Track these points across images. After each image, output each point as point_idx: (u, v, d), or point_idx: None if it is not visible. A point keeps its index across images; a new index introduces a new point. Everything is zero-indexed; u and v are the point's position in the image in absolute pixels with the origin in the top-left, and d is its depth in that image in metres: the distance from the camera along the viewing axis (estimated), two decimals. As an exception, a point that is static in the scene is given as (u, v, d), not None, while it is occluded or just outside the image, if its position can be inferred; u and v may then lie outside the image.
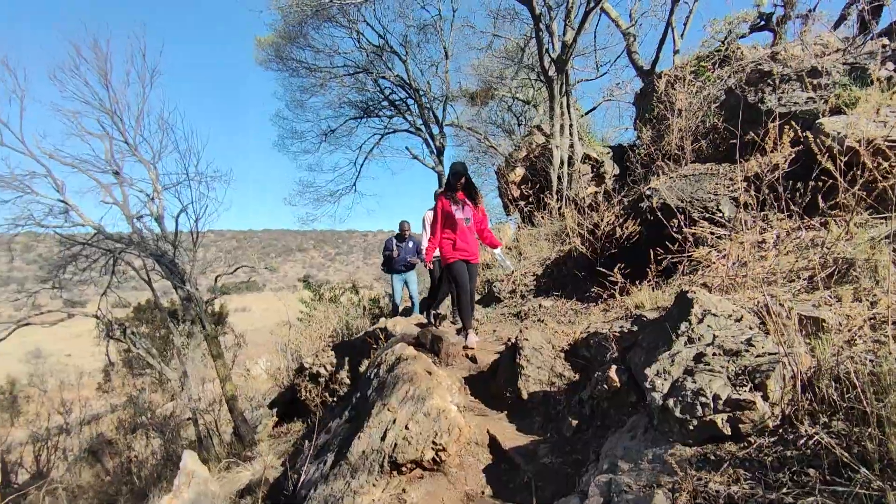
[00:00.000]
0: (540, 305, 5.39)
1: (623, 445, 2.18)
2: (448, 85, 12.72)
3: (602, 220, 5.09)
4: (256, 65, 12.04)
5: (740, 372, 1.87)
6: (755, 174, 4.19)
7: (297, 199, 14.17)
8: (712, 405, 1.83)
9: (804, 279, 2.62)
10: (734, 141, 4.63)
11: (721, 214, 4.01)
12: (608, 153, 9.85)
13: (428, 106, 12.32)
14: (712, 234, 3.62)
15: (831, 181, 2.93)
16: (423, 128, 12.50)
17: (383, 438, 2.86)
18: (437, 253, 4.70)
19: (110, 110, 7.25)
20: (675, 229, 3.87)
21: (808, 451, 1.60)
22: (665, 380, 2.04)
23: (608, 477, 1.97)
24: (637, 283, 4.26)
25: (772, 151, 3.59)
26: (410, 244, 6.70)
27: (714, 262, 3.39)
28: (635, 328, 2.98)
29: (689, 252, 3.60)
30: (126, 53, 8.55)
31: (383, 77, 12.01)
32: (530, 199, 8.79)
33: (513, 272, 6.72)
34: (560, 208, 8.09)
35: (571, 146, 8.80)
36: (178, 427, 8.10)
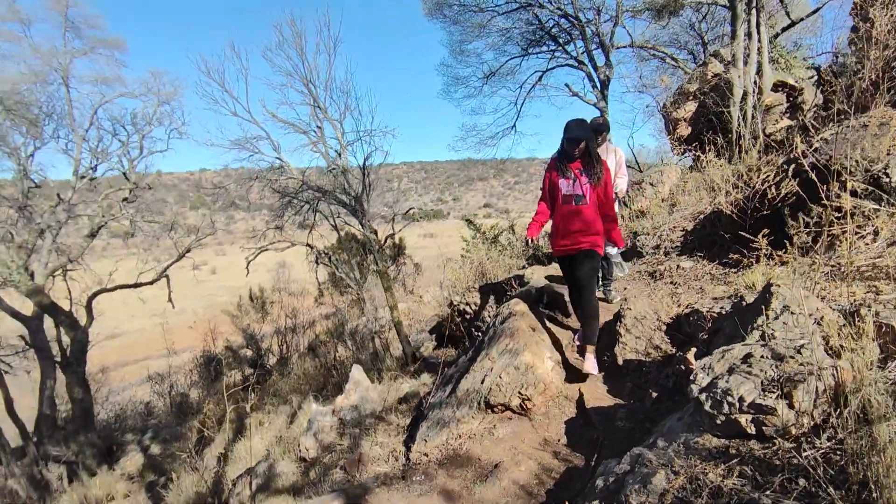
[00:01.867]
0: (678, 266, 5.21)
1: (669, 425, 2.38)
2: (620, 3, 11.60)
3: (756, 176, 4.61)
4: (424, 16, 12.67)
5: (776, 378, 1.91)
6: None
7: (459, 144, 14.81)
8: (737, 405, 1.93)
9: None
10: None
11: (888, 180, 3.37)
12: (812, 78, 8.21)
13: (595, 33, 11.50)
14: (866, 205, 3.14)
15: None
16: (585, 60, 11.79)
17: (482, 382, 3.45)
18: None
19: (306, 79, 8.63)
20: (829, 194, 3.42)
21: (811, 461, 1.66)
22: (707, 374, 2.15)
23: (640, 449, 2.23)
24: (781, 252, 3.92)
25: None
26: None
27: (854, 241, 3.01)
28: (731, 311, 2.93)
29: (828, 224, 3.20)
30: (315, 27, 9.93)
31: (544, 7, 11.50)
32: (700, 139, 7.95)
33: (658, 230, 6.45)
34: (735, 151, 7.23)
35: (759, 74, 7.58)
36: (364, 340, 9.97)
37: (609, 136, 5.12)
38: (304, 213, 8.66)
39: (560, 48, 12.43)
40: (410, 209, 10.20)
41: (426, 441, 3.39)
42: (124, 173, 10.81)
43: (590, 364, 3.44)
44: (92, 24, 10.39)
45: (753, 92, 7.08)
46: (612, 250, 3.74)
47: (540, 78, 12.93)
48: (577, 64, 12.23)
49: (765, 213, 4.46)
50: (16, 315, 9.14)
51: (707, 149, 7.14)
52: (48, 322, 9.67)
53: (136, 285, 10.88)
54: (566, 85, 12.34)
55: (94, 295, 10.17)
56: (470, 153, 15.56)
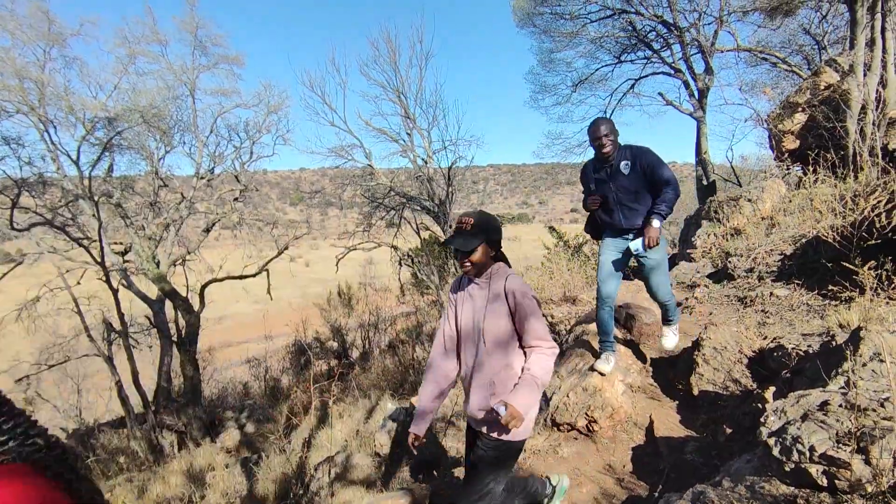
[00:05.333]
0: (771, 294, 4.89)
1: (737, 465, 2.33)
2: (726, 4, 10.88)
3: (865, 201, 4.23)
4: (516, 28, 12.73)
5: (853, 430, 1.83)
6: None
7: (544, 151, 14.59)
8: (808, 455, 1.88)
9: None
10: None
11: None
12: (953, 86, 7.25)
13: (695, 38, 10.90)
14: None
15: None
16: (683, 67, 11.20)
17: (550, 399, 3.52)
18: None
19: (398, 90, 9.12)
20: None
21: (886, 527, 1.59)
22: (779, 418, 2.10)
23: (704, 487, 2.22)
24: (889, 289, 3.61)
25: None
26: (626, 169, 3.15)
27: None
28: (818, 350, 2.77)
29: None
30: (408, 42, 10.44)
31: (639, 14, 11.08)
32: (808, 155, 7.32)
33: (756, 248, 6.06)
34: (850, 170, 6.61)
35: (882, 85, 6.86)
36: (443, 343, 10.28)
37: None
38: (390, 216, 9.20)
39: (655, 55, 11.94)
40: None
41: (492, 451, 3.52)
42: (236, 176, 12.01)
43: None
44: (216, 42, 11.69)
45: (875, 105, 6.41)
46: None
47: (632, 86, 12.51)
48: (673, 72, 11.68)
49: (873, 242, 4.09)
50: (143, 298, 10.51)
51: (815, 166, 6.60)
52: (168, 305, 11.02)
53: (241, 277, 12.05)
54: (660, 94, 11.82)
55: (207, 284, 11.40)
56: (556, 160, 15.34)
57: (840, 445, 1.82)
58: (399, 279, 12.01)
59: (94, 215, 9.40)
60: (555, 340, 5.69)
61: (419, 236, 10.23)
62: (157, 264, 10.69)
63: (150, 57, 10.80)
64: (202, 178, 11.89)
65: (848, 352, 2.22)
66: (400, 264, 11.98)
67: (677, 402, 3.59)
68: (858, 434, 1.80)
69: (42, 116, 9.22)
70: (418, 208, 8.84)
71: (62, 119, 9.55)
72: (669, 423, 3.35)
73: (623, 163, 3.16)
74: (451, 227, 8.69)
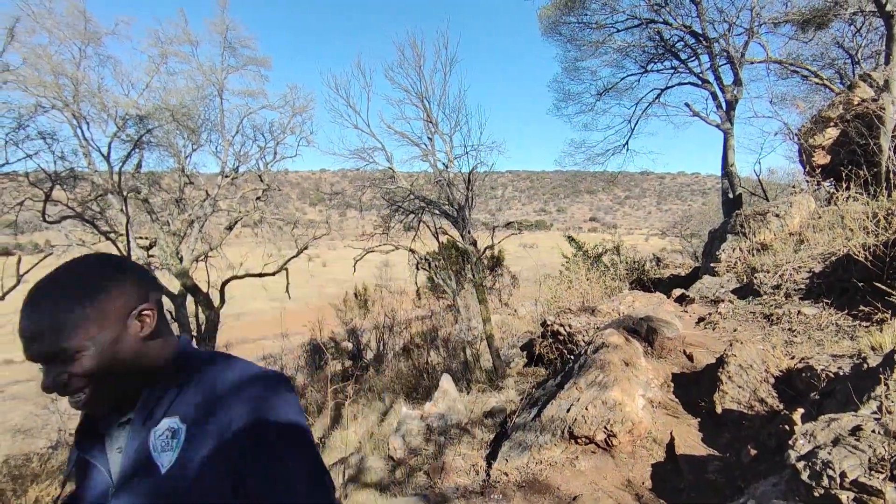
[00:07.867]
0: (799, 312, 4.78)
1: (763, 489, 2.27)
2: (757, 15, 10.71)
3: (901, 223, 4.12)
4: (541, 36, 12.69)
5: (886, 457, 1.78)
6: None
7: (567, 160, 14.46)
8: (838, 481, 1.82)
9: None
10: None
11: None
12: None
13: (724, 48, 10.74)
14: None
15: None
16: (710, 78, 11.04)
17: (568, 411, 3.48)
18: None
19: (422, 95, 9.15)
20: None
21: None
22: (808, 442, 2.04)
23: (727, 509, 2.17)
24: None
25: None
26: (168, 457, 0.83)
27: None
28: (849, 373, 2.70)
29: None
30: (433, 47, 10.49)
31: (667, 24, 10.96)
32: (839, 171, 7.14)
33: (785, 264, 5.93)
34: (882, 187, 6.44)
35: (919, 101, 6.67)
36: (455, 348, 10.25)
37: None
38: (409, 220, 9.23)
39: (683, 65, 11.81)
40: (510, 222, 10.32)
41: (507, 461, 3.50)
42: (260, 175, 12.19)
43: None
44: (245, 44, 11.89)
45: (911, 121, 6.25)
46: None
47: (658, 96, 12.38)
48: (700, 82, 11.52)
49: (909, 263, 3.98)
50: (166, 292, 10.70)
51: (847, 183, 6.44)
52: (189, 300, 11.20)
53: (261, 275, 12.21)
54: (686, 104, 11.66)
55: (227, 281, 11.58)
56: (578, 168, 15.22)
57: (872, 472, 1.77)
58: (416, 282, 12.02)
59: (122, 210, 9.61)
60: (572, 353, 5.63)
61: (437, 240, 10.24)
62: (181, 260, 10.89)
63: (181, 57, 11.04)
64: (227, 176, 12.09)
65: (882, 375, 2.15)
66: (417, 268, 12.00)
67: (699, 419, 3.51)
68: (892, 461, 1.74)
69: (76, 112, 9.48)
70: (437, 212, 8.83)
71: (95, 116, 9.80)
72: (691, 440, 3.29)
73: (163, 435, 0.87)
74: (469, 232, 8.67)
